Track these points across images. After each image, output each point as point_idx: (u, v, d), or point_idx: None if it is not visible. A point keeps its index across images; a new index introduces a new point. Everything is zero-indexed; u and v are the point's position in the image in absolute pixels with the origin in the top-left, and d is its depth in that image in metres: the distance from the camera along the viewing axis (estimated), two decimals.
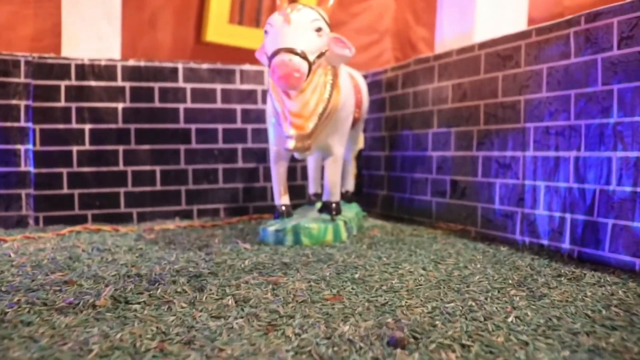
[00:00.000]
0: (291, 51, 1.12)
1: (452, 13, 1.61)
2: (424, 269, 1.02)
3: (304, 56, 1.12)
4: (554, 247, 1.16)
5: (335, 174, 1.37)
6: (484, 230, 1.36)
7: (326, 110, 1.24)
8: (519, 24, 1.54)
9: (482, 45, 1.38)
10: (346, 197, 1.69)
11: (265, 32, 1.20)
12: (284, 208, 1.34)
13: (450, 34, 1.60)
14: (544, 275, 0.96)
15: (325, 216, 1.36)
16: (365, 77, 1.88)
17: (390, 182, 1.75)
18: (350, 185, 1.71)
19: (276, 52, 1.13)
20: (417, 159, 1.61)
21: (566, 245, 1.13)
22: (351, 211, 1.59)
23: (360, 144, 1.72)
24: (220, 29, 2.03)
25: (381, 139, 1.79)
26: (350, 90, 1.38)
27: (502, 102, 1.31)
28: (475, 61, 1.39)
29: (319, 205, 1.45)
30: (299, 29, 1.15)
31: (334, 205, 1.37)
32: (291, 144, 1.23)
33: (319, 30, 1.17)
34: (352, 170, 1.70)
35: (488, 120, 1.35)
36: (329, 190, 1.37)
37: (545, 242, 1.19)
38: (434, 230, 1.45)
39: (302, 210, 1.51)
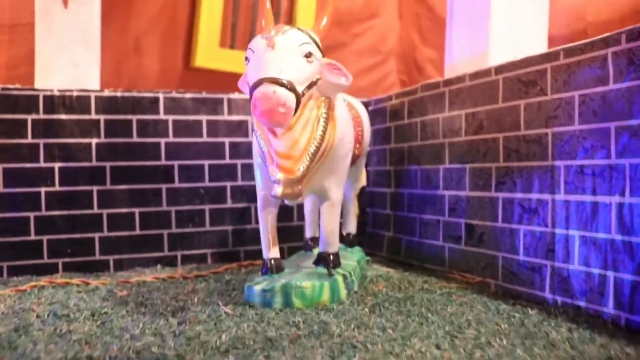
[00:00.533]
0: (275, 81, 0.94)
1: (462, 32, 1.43)
2: (437, 346, 0.83)
3: (290, 87, 0.95)
4: (594, 310, 0.97)
5: (332, 221, 1.18)
6: (507, 285, 1.16)
7: (320, 149, 1.06)
8: (539, 44, 1.36)
9: (500, 69, 1.20)
10: (348, 241, 1.51)
11: (246, 58, 1.02)
12: (273, 262, 1.15)
13: (462, 56, 1.42)
14: (590, 359, 0.77)
15: (322, 270, 1.17)
16: (368, 104, 1.70)
17: (397, 222, 1.56)
18: (352, 227, 1.52)
19: (258, 83, 0.95)
20: (427, 197, 1.42)
21: (609, 309, 0.94)
22: (353, 257, 1.40)
23: (363, 181, 1.53)
24: (210, 53, 1.88)
25: (386, 174, 1.61)
26: (349, 123, 1.20)
27: (525, 135, 1.13)
28: (492, 87, 1.22)
29: (316, 252, 1.26)
30: (285, 55, 0.98)
31: (331, 257, 1.18)
32: (279, 190, 1.05)
33: (308, 55, 1.00)
34: (353, 210, 1.52)
35: (509, 156, 1.17)
36: (325, 240, 1.19)
37: (582, 303, 0.99)
38: (448, 283, 1.26)
39: (297, 258, 1.32)
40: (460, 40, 1.44)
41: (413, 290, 1.20)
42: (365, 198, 1.70)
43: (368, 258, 1.54)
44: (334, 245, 1.20)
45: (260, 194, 1.16)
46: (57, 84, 1.50)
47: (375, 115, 1.66)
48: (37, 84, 1.53)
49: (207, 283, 1.31)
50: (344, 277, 1.17)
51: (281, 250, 1.59)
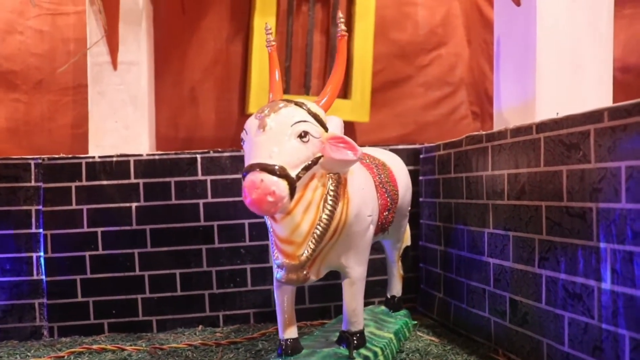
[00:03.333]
0: (265, 168, 0.88)
1: (510, 72, 1.27)
2: None
3: (282, 173, 0.88)
4: None
5: (354, 298, 1.09)
6: None
7: (328, 230, 0.97)
8: (603, 94, 1.18)
9: (542, 127, 1.04)
10: (392, 304, 1.41)
11: (242, 140, 0.97)
12: (288, 343, 1.09)
13: (509, 104, 1.27)
14: None
15: (344, 351, 1.09)
16: (419, 152, 1.59)
17: (446, 284, 1.43)
18: (397, 290, 1.41)
19: (247, 170, 0.90)
20: (473, 262, 1.28)
21: None
22: (394, 325, 1.30)
23: (407, 241, 1.42)
24: (263, 100, 1.85)
25: (436, 230, 1.48)
26: (369, 194, 1.10)
27: (567, 207, 0.97)
28: (533, 147, 1.06)
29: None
30: (276, 137, 0.91)
31: (354, 337, 1.09)
32: (281, 275, 0.98)
33: (303, 135, 0.92)
34: (397, 272, 1.41)
35: (552, 229, 1.01)
36: (347, 319, 1.10)
37: None
38: None
39: (323, 332, 1.24)
40: (508, 82, 1.29)
41: None
42: (419, 253, 1.59)
43: (415, 322, 1.42)
44: (358, 324, 1.11)
45: (275, 270, 1.10)
46: (109, 145, 1.55)
47: (426, 163, 1.54)
48: (91, 147, 1.59)
49: (237, 353, 1.27)
50: (366, 357, 1.07)
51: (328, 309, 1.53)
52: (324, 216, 0.97)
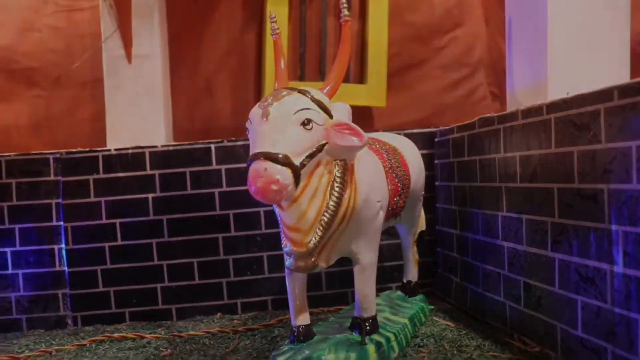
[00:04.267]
0: (268, 156, 0.88)
1: (522, 52, 1.24)
2: None
3: (285, 161, 0.88)
4: None
5: (366, 284, 1.09)
6: None
7: (336, 217, 0.97)
8: (620, 71, 1.14)
9: (552, 107, 1.02)
10: (408, 289, 1.40)
11: (246, 129, 0.98)
12: (300, 329, 1.10)
13: (522, 84, 1.24)
14: None
15: (356, 337, 1.09)
16: (434, 135, 1.57)
17: (463, 268, 1.41)
18: (413, 275, 1.41)
19: (251, 159, 0.90)
20: (488, 246, 1.27)
21: None
22: (410, 310, 1.30)
23: (421, 226, 1.41)
24: None
25: (452, 214, 1.46)
26: (378, 180, 1.10)
27: (579, 188, 0.95)
28: (545, 128, 1.04)
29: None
30: (279, 125, 0.91)
31: (367, 323, 1.10)
32: (290, 263, 0.99)
33: (306, 123, 0.92)
34: (413, 257, 1.40)
35: (564, 211, 0.99)
36: (359, 305, 1.10)
37: None
38: (502, 352, 1.10)
39: (338, 319, 1.25)
40: (520, 62, 1.26)
41: (460, 359, 1.07)
42: (435, 237, 1.58)
43: (432, 307, 1.41)
44: (370, 310, 1.11)
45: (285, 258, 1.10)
46: (126, 138, 1.57)
47: (441, 147, 1.52)
48: (109, 140, 1.62)
49: (253, 340, 1.28)
50: (378, 345, 1.07)
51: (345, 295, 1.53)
52: (331, 203, 0.97)
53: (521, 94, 1.24)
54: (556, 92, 1.16)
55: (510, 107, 1.31)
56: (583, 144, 0.93)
